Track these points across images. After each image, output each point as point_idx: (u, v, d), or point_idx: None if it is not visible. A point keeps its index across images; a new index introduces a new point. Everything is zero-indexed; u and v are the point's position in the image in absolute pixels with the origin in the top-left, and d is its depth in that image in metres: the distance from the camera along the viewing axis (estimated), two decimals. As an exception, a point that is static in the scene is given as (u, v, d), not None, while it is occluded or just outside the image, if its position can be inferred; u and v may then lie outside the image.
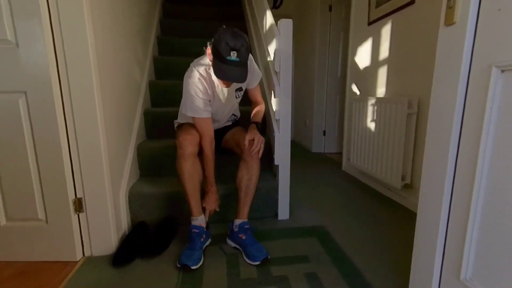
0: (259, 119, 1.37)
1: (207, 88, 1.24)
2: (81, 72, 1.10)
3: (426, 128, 0.83)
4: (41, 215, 1.18)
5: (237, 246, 1.28)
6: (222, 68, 1.08)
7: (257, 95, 1.43)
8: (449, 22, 0.73)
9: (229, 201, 1.48)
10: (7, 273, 1.14)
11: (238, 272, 1.12)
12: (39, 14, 1.02)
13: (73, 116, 1.12)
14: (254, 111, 1.40)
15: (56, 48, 1.08)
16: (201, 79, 1.21)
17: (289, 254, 1.24)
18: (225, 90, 1.30)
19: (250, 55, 1.22)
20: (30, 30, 1.04)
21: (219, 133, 1.46)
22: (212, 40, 1.10)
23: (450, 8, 0.72)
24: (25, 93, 1.08)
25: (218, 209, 1.36)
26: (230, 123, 1.55)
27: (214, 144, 1.31)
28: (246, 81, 1.27)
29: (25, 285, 1.06)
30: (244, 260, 1.20)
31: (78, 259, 1.21)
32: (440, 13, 0.76)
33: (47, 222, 1.18)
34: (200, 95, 1.21)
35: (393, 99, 1.75)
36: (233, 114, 1.52)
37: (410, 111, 1.63)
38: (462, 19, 0.69)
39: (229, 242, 1.32)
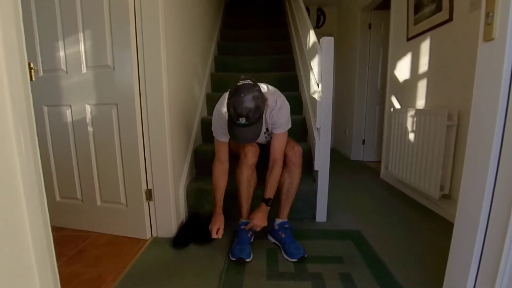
0: (272, 193, 1.25)
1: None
2: (155, 89, 1.27)
3: (466, 139, 0.78)
4: (123, 200, 1.38)
5: (277, 242, 1.31)
6: (234, 131, 1.08)
7: (277, 146, 1.23)
8: (487, 38, 0.69)
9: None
10: (101, 241, 1.38)
11: (277, 265, 1.16)
12: (130, 46, 1.23)
13: (148, 124, 1.31)
14: (268, 181, 1.25)
15: (140, 71, 1.27)
16: (225, 117, 1.18)
17: (324, 254, 1.23)
18: None
19: (281, 102, 1.20)
20: (123, 57, 1.25)
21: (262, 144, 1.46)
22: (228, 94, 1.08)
23: (489, 24, 0.69)
24: (116, 105, 1.30)
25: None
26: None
27: (227, 173, 1.30)
28: (271, 123, 1.24)
29: (112, 252, 1.27)
30: (283, 256, 1.22)
31: (147, 238, 1.38)
32: (479, 29, 0.72)
33: (127, 206, 1.38)
34: (218, 127, 1.24)
35: (433, 110, 1.64)
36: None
37: (450, 123, 1.51)
38: (501, 35, 0.66)
39: (270, 238, 1.36)
